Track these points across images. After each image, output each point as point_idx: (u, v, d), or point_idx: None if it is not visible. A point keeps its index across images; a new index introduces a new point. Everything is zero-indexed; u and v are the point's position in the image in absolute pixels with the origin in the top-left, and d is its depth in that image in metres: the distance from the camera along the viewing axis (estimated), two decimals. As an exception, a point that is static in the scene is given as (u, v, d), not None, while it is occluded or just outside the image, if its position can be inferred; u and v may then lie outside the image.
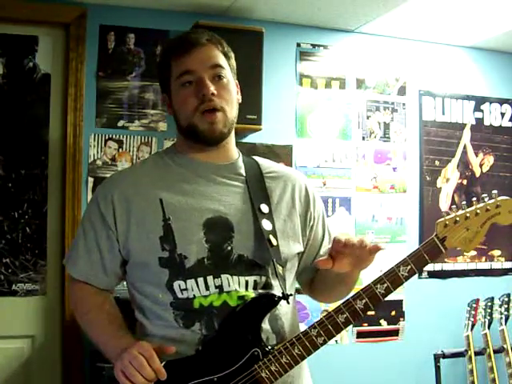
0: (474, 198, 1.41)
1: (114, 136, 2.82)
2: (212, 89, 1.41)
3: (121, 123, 2.84)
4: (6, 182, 2.70)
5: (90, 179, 2.78)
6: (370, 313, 1.49)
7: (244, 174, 1.50)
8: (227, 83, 1.45)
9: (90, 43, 2.78)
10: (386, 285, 1.36)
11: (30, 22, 2.71)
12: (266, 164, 1.57)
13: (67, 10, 2.72)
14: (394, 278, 1.36)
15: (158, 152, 1.60)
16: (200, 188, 1.45)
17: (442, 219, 1.39)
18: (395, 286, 1.37)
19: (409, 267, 1.36)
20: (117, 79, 2.83)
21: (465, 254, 3.24)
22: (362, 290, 1.36)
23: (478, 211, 1.39)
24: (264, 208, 1.45)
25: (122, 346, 1.33)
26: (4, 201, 2.70)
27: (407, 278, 1.37)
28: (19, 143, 2.73)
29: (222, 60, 1.46)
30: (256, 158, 1.59)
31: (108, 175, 2.75)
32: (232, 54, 1.52)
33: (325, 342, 1.35)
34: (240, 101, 1.53)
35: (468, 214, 1.39)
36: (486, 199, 1.40)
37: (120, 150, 2.83)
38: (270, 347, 1.35)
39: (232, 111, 1.46)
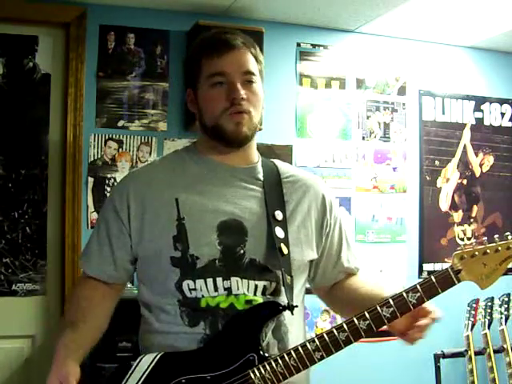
0: (497, 236, 1.37)
1: (113, 136, 2.82)
2: (243, 93, 1.41)
3: (121, 123, 2.84)
4: (6, 182, 2.70)
5: (90, 179, 2.78)
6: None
7: (262, 179, 1.50)
8: (256, 88, 1.45)
9: (90, 43, 2.78)
10: (392, 309, 1.33)
11: (30, 22, 2.71)
12: (285, 169, 1.57)
13: (67, 9, 2.72)
14: (401, 304, 1.33)
15: (178, 150, 1.58)
16: (216, 190, 1.45)
17: (460, 251, 1.35)
18: (402, 312, 1.33)
19: (418, 294, 1.33)
20: (117, 79, 2.83)
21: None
22: (367, 310, 1.33)
23: (499, 248, 1.35)
24: (278, 215, 1.45)
25: (58, 362, 1.41)
26: (4, 201, 2.70)
27: (415, 306, 1.33)
28: (19, 143, 2.73)
29: (253, 66, 1.46)
30: (276, 161, 1.59)
31: (108, 175, 2.80)
32: (261, 58, 1.51)
33: (322, 358, 1.33)
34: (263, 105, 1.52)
35: (488, 250, 1.34)
36: (509, 237, 1.36)
37: (120, 150, 2.83)
38: (266, 354, 1.34)
39: (257, 116, 1.46)
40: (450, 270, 1.35)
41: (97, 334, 1.45)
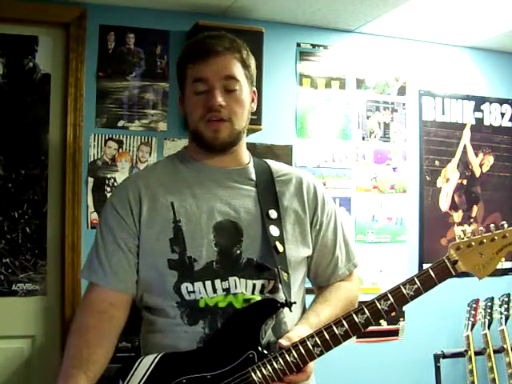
0: (492, 225, 1.37)
1: (114, 136, 2.82)
2: (220, 100, 1.41)
3: (121, 123, 2.84)
4: (6, 182, 2.70)
5: (90, 179, 2.78)
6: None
7: (254, 179, 1.51)
8: (239, 95, 1.45)
9: (90, 43, 2.78)
10: (389, 302, 1.34)
11: (30, 22, 2.71)
12: (277, 168, 1.58)
13: (67, 9, 2.72)
14: (398, 296, 1.34)
15: (170, 156, 1.59)
16: (211, 192, 1.46)
17: (456, 242, 1.36)
18: (400, 304, 1.34)
19: (415, 286, 1.34)
20: (117, 79, 2.83)
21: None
22: (364, 304, 1.34)
23: (495, 237, 1.34)
24: (272, 214, 1.46)
25: None
26: (4, 201, 2.70)
27: (413, 298, 1.34)
28: (19, 143, 2.73)
29: (237, 70, 1.46)
30: (268, 161, 1.60)
31: (108, 175, 2.79)
32: (252, 61, 1.51)
33: (322, 353, 1.33)
34: (254, 109, 1.54)
35: (484, 240, 1.35)
36: (505, 226, 1.35)
37: (120, 150, 2.83)
38: (266, 351, 1.35)
39: (240, 123, 1.46)
40: (446, 260, 1.35)
41: (105, 366, 1.41)
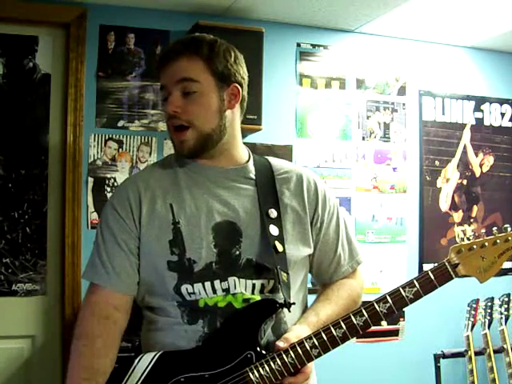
0: (495, 228, 1.35)
1: (113, 136, 2.82)
2: (172, 107, 1.42)
3: (121, 123, 2.83)
4: (6, 182, 2.70)
5: (90, 179, 2.77)
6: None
7: (254, 178, 1.50)
8: (197, 97, 1.43)
9: (90, 43, 2.78)
10: (388, 304, 1.33)
11: (30, 22, 2.70)
12: (278, 165, 1.57)
13: (67, 9, 2.72)
14: (397, 299, 1.33)
15: (168, 156, 1.59)
16: (209, 192, 1.45)
17: (457, 245, 1.34)
18: (399, 307, 1.33)
19: (415, 289, 1.33)
20: (117, 79, 2.83)
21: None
22: (363, 306, 1.34)
23: (497, 240, 1.33)
24: (272, 213, 1.45)
25: None
26: (4, 201, 2.70)
27: (412, 301, 1.33)
28: (19, 143, 2.73)
29: (193, 71, 1.42)
30: (269, 158, 1.59)
31: (108, 175, 2.79)
32: (221, 58, 1.44)
33: (320, 355, 1.33)
34: (235, 106, 1.48)
35: (486, 243, 1.33)
36: (508, 229, 1.34)
37: (120, 150, 2.82)
38: (264, 352, 1.35)
39: (206, 124, 1.43)
40: (447, 263, 1.34)
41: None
